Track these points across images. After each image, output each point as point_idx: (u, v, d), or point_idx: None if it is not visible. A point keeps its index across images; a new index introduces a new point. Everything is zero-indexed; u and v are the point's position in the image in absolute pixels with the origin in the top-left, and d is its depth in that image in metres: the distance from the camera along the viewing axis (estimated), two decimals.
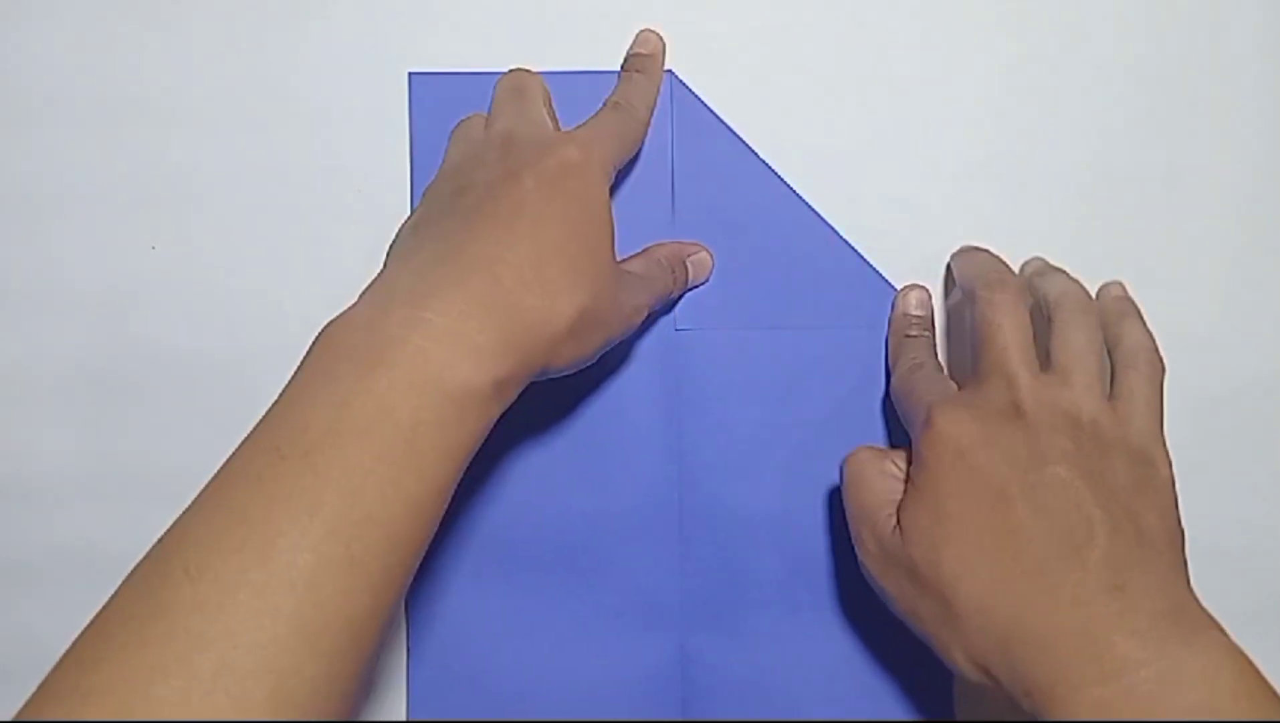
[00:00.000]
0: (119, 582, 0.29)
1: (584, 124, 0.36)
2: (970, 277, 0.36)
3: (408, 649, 0.38)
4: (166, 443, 0.39)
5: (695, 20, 0.41)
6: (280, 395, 0.29)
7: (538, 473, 0.39)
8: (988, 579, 0.31)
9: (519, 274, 0.30)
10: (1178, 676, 0.28)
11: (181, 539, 0.27)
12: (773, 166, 0.40)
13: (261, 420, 0.28)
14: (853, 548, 0.36)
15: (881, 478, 0.35)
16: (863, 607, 0.39)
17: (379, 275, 0.32)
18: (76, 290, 0.40)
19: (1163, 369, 0.35)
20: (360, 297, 0.31)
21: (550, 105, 0.38)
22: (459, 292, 0.29)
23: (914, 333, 0.38)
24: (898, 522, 0.33)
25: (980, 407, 0.32)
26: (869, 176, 0.40)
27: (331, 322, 0.30)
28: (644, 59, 0.39)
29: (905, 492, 0.33)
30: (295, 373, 0.29)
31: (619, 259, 0.35)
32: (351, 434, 0.27)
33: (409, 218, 0.35)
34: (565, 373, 0.32)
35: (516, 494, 0.39)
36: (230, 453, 0.28)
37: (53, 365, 0.40)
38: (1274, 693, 0.29)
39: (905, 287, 0.39)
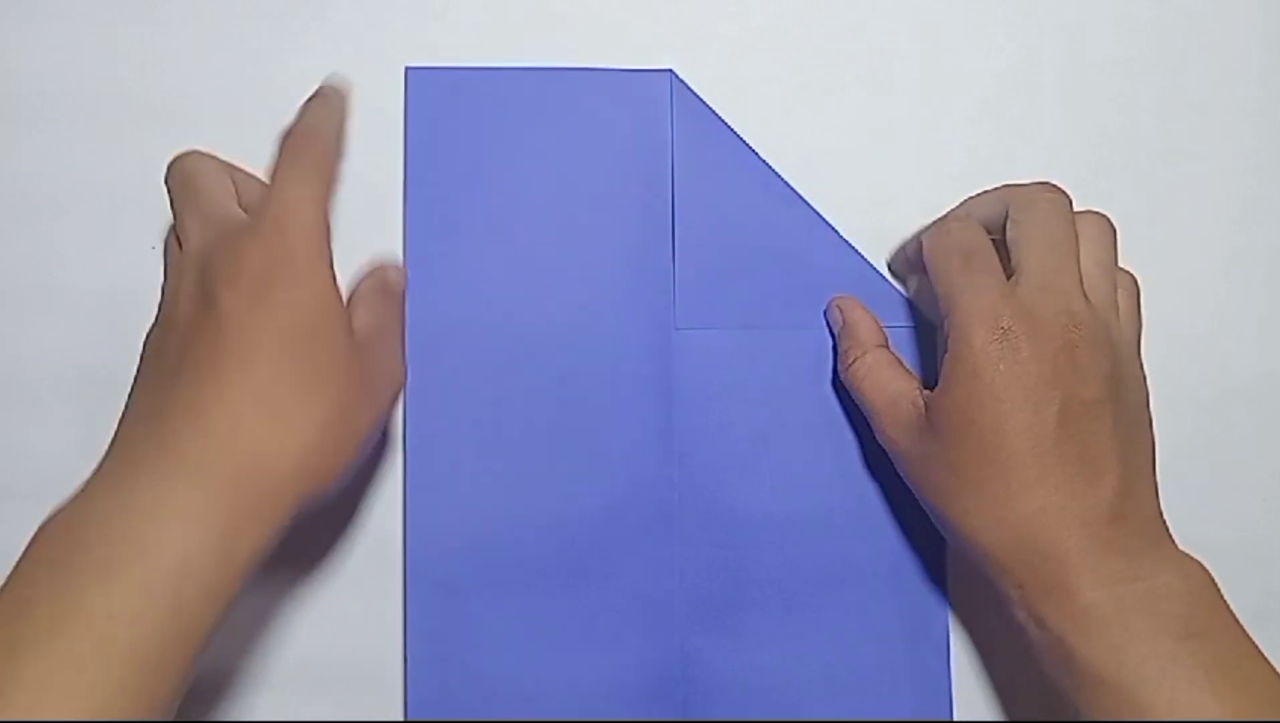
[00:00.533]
0: None
1: (274, 181, 0.32)
2: (998, 200, 0.36)
3: (405, 649, 0.38)
4: None
5: (695, 20, 0.41)
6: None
7: (536, 473, 0.39)
8: (1007, 484, 0.32)
9: (233, 420, 0.28)
10: (1165, 591, 0.31)
11: None
12: (773, 167, 0.40)
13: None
14: (852, 547, 0.36)
15: (896, 376, 0.36)
16: (863, 607, 0.39)
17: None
18: (76, 290, 0.40)
19: (1139, 285, 0.36)
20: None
21: (230, 173, 0.35)
22: (167, 462, 0.28)
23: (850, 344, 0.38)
24: (925, 411, 0.34)
25: (1040, 310, 0.32)
26: (869, 176, 0.40)
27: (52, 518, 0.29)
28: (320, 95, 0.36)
29: (942, 379, 0.33)
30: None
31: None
32: (28, 640, 0.25)
33: (134, 380, 0.33)
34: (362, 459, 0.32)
35: (515, 494, 0.39)
36: None
37: (53, 365, 0.40)
38: (1232, 613, 0.32)
39: (836, 303, 0.39)
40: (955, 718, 0.39)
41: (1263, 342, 0.41)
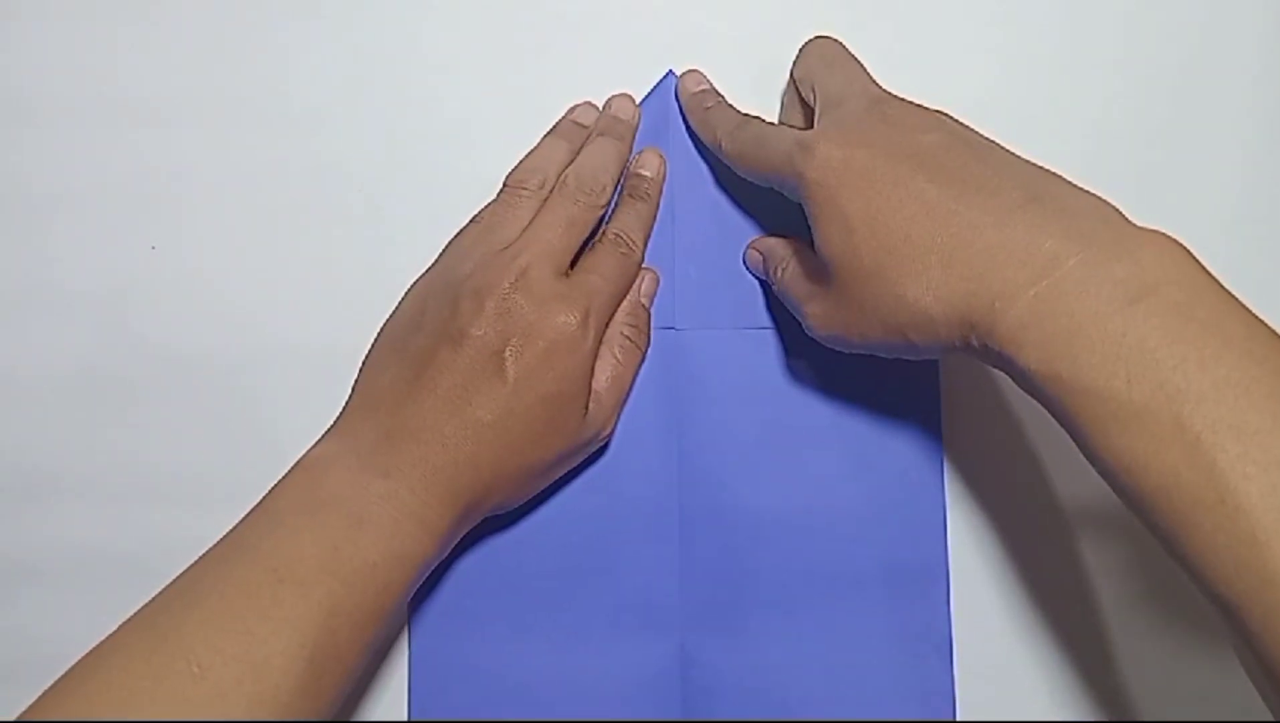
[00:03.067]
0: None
1: (587, 266, 0.36)
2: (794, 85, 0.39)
3: (409, 649, 0.38)
4: (166, 443, 0.39)
5: (695, 20, 0.41)
6: (259, 512, 0.32)
7: None
8: (916, 251, 0.30)
9: (483, 473, 0.33)
10: (1103, 258, 0.28)
11: (181, 630, 0.29)
12: None
13: (244, 532, 0.31)
14: (851, 548, 0.36)
15: (807, 266, 0.36)
16: (864, 607, 0.39)
17: (352, 404, 0.35)
18: (76, 290, 0.40)
19: None
20: (336, 428, 0.34)
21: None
22: (427, 476, 0.32)
23: (711, 104, 0.39)
24: (820, 258, 0.33)
25: (849, 121, 0.33)
26: None
27: (311, 458, 0.33)
28: (647, 183, 0.39)
29: (813, 230, 0.33)
30: (275, 497, 0.32)
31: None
32: (340, 578, 0.30)
33: (393, 316, 0.37)
34: None
35: None
36: (209, 552, 0.31)
37: (53, 365, 0.40)
38: (1201, 267, 0.28)
39: (681, 75, 0.40)
40: (958, 718, 0.38)
41: None
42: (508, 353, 0.33)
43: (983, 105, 0.40)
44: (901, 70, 0.40)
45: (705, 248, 0.40)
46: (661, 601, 0.39)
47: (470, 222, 0.38)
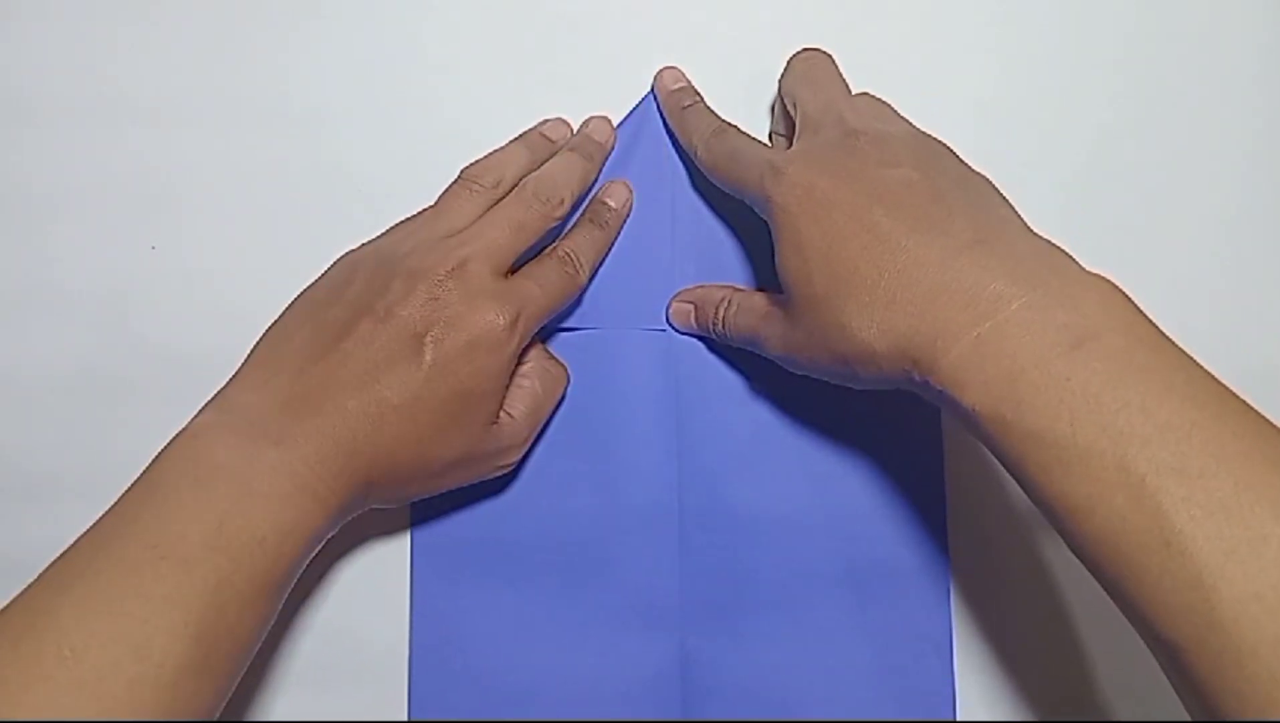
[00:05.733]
0: None
1: (528, 272, 0.36)
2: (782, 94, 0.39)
3: (409, 649, 0.38)
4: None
5: (696, 20, 0.41)
6: (141, 484, 0.31)
7: (538, 473, 0.39)
8: (864, 284, 0.30)
9: (379, 456, 0.32)
10: (1047, 302, 0.28)
11: (54, 614, 0.28)
12: None
13: (124, 507, 0.31)
14: (851, 548, 0.37)
15: (753, 298, 0.36)
16: (863, 607, 0.39)
17: (246, 369, 0.34)
18: (76, 290, 0.40)
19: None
20: (225, 393, 0.33)
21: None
22: (322, 448, 0.32)
23: (689, 103, 0.39)
24: (779, 279, 0.33)
25: (821, 149, 0.33)
26: None
27: (197, 425, 0.32)
28: (610, 213, 0.39)
29: (775, 251, 0.33)
30: (157, 467, 0.31)
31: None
32: (227, 554, 0.29)
33: (315, 284, 0.36)
34: None
35: (517, 494, 0.39)
36: (88, 530, 0.30)
37: (53, 365, 0.40)
38: (1141, 314, 0.28)
39: (658, 72, 0.40)
40: (958, 718, 0.38)
41: (1263, 341, 0.41)
42: (429, 339, 0.33)
43: (983, 105, 0.41)
44: (901, 70, 0.41)
45: (704, 248, 0.40)
46: (661, 601, 0.39)
47: (421, 209, 0.38)
